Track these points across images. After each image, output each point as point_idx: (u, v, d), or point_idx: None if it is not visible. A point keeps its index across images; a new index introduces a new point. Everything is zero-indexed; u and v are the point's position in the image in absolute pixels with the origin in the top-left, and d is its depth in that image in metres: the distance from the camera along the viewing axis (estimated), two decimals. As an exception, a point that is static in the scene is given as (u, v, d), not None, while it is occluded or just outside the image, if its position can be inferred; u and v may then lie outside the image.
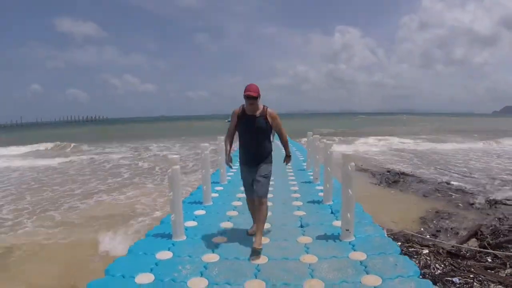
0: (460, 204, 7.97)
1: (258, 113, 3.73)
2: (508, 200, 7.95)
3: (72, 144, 25.92)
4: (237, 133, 3.96)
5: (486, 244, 4.83)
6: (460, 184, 10.22)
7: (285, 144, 4.03)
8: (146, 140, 30.15)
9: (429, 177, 11.64)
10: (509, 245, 4.71)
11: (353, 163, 3.88)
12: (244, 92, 3.62)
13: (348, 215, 3.83)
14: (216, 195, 6.05)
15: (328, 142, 6.05)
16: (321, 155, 7.27)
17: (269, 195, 6.02)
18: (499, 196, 8.47)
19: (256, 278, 3.00)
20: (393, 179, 11.21)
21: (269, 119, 3.74)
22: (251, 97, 3.62)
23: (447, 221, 6.71)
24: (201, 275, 3.05)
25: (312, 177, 7.62)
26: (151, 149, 23.66)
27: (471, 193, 9.02)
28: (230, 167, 3.98)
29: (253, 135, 3.75)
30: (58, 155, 20.45)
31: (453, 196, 8.69)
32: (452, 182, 10.33)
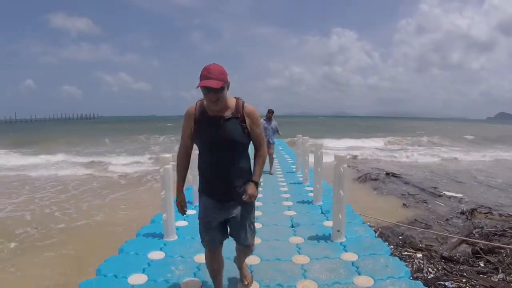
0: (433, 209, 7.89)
1: (228, 112, 2.29)
2: (491, 210, 7.88)
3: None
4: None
5: (478, 249, 4.92)
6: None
7: (260, 163, 2.41)
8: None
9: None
10: (501, 250, 4.81)
11: (345, 165, 3.92)
12: (200, 80, 2.10)
13: (340, 215, 3.87)
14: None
15: (318, 143, 6.09)
16: (310, 157, 7.32)
17: (259, 195, 6.01)
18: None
19: (249, 278, 3.00)
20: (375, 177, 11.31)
21: (247, 121, 2.31)
22: (211, 89, 2.11)
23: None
24: (194, 275, 3.04)
25: (301, 179, 7.67)
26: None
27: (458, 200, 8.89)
28: (183, 214, 2.48)
29: (222, 152, 2.29)
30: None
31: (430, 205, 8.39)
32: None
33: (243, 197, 2.32)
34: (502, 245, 4.82)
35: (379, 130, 45.71)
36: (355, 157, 18.10)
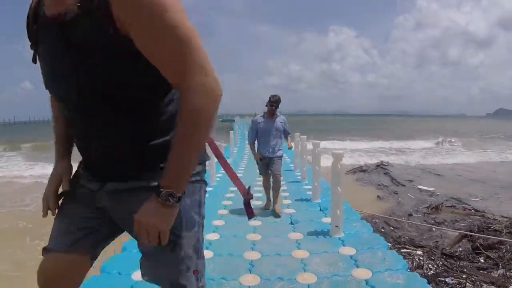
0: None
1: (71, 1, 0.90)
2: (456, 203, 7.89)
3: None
4: None
5: (478, 245, 5.01)
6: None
7: (184, 134, 0.94)
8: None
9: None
10: (502, 246, 4.90)
11: (342, 162, 4.01)
12: None
13: (338, 211, 3.95)
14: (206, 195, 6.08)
15: (315, 141, 6.17)
16: (308, 155, 7.42)
17: (258, 194, 6.10)
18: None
19: (250, 273, 3.08)
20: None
21: (118, 14, 0.87)
22: None
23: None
24: (197, 271, 3.11)
25: (300, 177, 7.75)
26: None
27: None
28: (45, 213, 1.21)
29: (80, 106, 1.03)
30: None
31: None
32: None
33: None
34: (504, 239, 4.90)
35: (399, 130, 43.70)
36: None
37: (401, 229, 6.03)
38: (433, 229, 5.99)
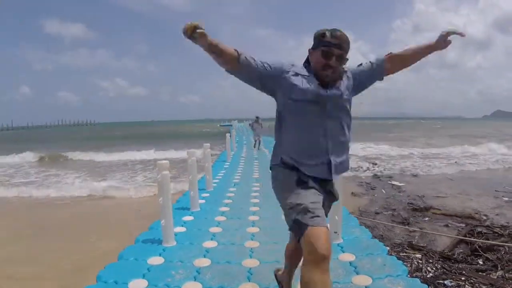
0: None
1: None
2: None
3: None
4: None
5: (477, 247, 5.00)
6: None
7: None
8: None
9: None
10: (500, 248, 4.89)
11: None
12: None
13: (336, 217, 3.92)
14: (202, 201, 6.05)
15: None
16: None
17: (255, 200, 6.09)
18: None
19: (249, 281, 3.04)
20: None
21: None
22: None
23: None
24: (195, 279, 3.06)
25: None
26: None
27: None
28: None
29: None
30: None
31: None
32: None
33: None
34: (501, 243, 4.90)
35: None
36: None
37: (375, 229, 6.18)
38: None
